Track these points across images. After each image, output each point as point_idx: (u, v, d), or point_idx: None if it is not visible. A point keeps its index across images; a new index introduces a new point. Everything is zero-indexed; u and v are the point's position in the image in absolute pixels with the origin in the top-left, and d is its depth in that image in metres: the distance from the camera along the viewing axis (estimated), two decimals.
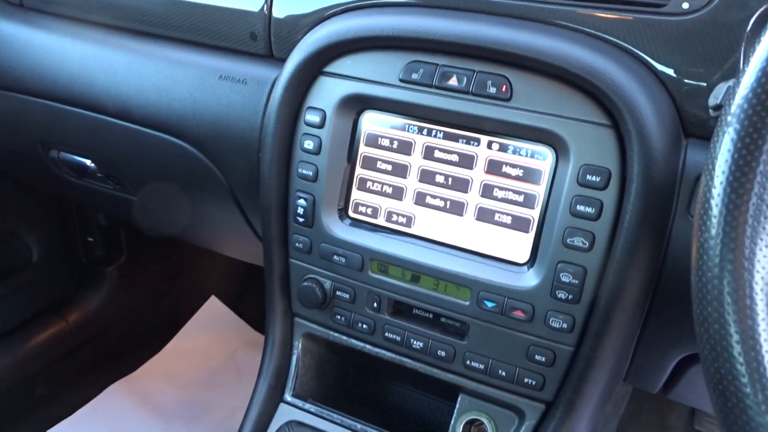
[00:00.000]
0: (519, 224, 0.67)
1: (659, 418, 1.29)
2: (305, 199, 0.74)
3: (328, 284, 0.76)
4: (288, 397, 0.79)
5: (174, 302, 1.61)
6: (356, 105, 0.71)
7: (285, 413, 0.78)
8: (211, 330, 1.60)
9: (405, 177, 0.72)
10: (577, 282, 0.64)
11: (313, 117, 0.72)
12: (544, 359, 0.67)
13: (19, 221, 1.31)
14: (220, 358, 1.54)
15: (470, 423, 0.75)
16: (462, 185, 0.69)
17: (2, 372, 1.32)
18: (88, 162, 0.99)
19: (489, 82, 0.64)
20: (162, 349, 1.54)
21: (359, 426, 0.75)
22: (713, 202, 0.41)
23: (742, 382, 0.39)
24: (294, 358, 0.81)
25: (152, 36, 0.85)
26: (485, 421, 0.73)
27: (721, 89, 0.48)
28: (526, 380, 0.69)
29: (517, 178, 0.67)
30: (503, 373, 0.70)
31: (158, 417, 1.37)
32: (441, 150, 0.70)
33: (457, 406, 0.75)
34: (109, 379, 1.44)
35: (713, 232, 0.41)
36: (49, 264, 1.39)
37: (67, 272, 1.44)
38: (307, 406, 0.78)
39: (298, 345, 0.81)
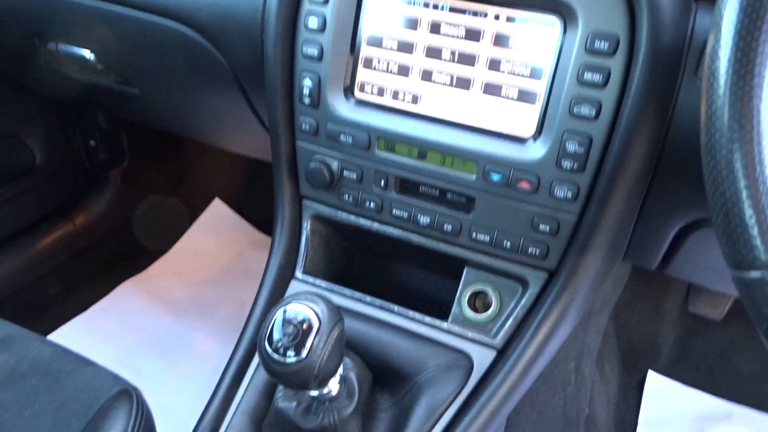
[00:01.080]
0: (525, 97, 0.67)
1: (655, 304, 1.34)
2: (311, 79, 0.74)
3: (335, 165, 0.77)
4: (299, 275, 0.82)
5: (178, 206, 1.63)
6: None
7: (296, 289, 0.81)
8: (217, 231, 1.63)
9: (411, 54, 0.71)
10: (582, 151, 0.65)
11: None
12: (548, 229, 0.69)
13: (20, 124, 1.31)
14: (227, 257, 1.58)
15: (475, 295, 0.78)
16: (468, 60, 0.69)
17: (15, 272, 1.36)
18: (87, 53, 0.98)
19: None
20: (170, 250, 1.57)
21: (368, 299, 0.79)
22: (721, 54, 0.41)
23: (750, 224, 0.40)
24: (303, 238, 0.83)
25: None
26: (490, 291, 0.76)
27: None
28: (530, 250, 0.72)
29: (524, 50, 0.66)
30: (508, 244, 0.72)
31: (170, 312, 1.42)
32: (447, 24, 0.69)
33: (463, 279, 0.77)
34: (119, 279, 1.48)
35: (721, 86, 0.41)
36: (53, 168, 1.40)
37: (71, 176, 1.45)
38: (318, 282, 0.81)
39: (307, 226, 0.83)
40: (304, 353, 0.55)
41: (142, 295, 1.46)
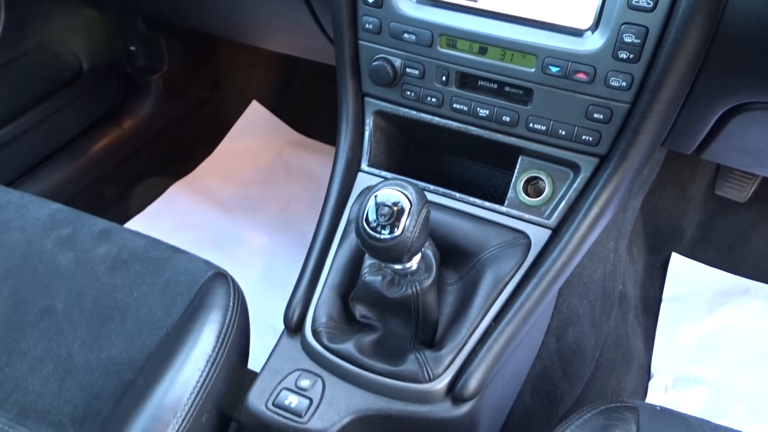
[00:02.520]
0: None
1: (680, 190, 1.41)
2: None
3: (398, 62, 0.82)
4: (364, 167, 0.88)
5: (218, 109, 1.68)
6: None
7: (363, 181, 0.88)
8: (256, 133, 1.69)
9: None
10: (638, 42, 0.69)
11: None
12: (601, 117, 0.75)
13: (66, 33, 1.34)
14: (268, 157, 1.65)
15: (528, 182, 0.84)
16: None
17: (72, 177, 1.43)
18: None
19: None
20: (213, 152, 1.64)
21: (431, 187, 0.86)
22: None
23: None
24: (366, 133, 0.89)
25: None
26: (543, 177, 0.83)
27: None
28: (583, 137, 0.78)
29: None
30: (563, 132, 0.78)
31: (220, 210, 1.51)
32: None
33: (518, 166, 0.84)
34: (169, 180, 1.56)
35: None
36: (99, 74, 1.44)
37: (115, 82, 1.49)
38: (382, 173, 0.88)
39: (370, 122, 0.89)
40: (397, 231, 0.62)
41: (192, 195, 1.54)
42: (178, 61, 1.55)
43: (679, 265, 1.40)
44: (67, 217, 0.89)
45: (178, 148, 1.61)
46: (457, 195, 0.85)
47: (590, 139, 0.78)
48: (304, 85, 1.74)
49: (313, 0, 0.91)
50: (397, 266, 0.69)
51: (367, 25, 0.81)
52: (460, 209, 0.83)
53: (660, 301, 1.34)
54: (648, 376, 1.22)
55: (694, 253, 1.41)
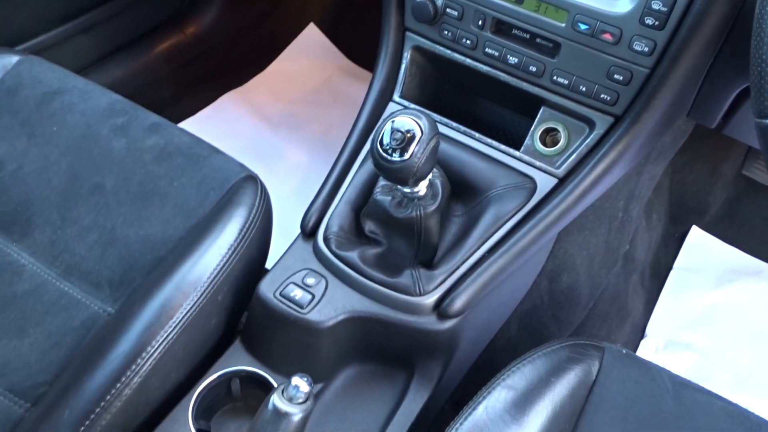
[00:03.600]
0: None
1: (712, 166, 1.42)
2: None
3: (440, 2, 0.87)
4: (396, 98, 0.94)
5: (276, 25, 1.74)
6: None
7: (393, 110, 0.94)
8: (309, 55, 1.75)
9: None
10: (665, 10, 0.73)
11: None
12: (621, 78, 0.79)
13: None
14: (317, 81, 1.71)
15: (546, 132, 0.89)
16: None
17: (134, 73, 1.52)
18: None
19: None
20: (266, 68, 1.71)
21: (454, 124, 0.91)
22: None
23: None
24: (403, 66, 0.94)
25: None
26: (560, 129, 0.87)
27: None
28: (602, 96, 0.82)
29: None
30: (583, 89, 0.82)
31: (266, 124, 1.59)
32: None
33: (538, 116, 0.89)
34: (223, 89, 1.65)
35: None
36: None
37: None
38: (412, 105, 0.94)
39: (407, 56, 0.94)
40: (406, 156, 0.69)
41: (241, 106, 1.62)
42: None
43: (697, 238, 1.43)
44: (124, 108, 0.99)
45: (234, 59, 1.68)
46: (477, 135, 0.90)
47: (608, 98, 0.82)
48: (360, 14, 1.77)
49: None
50: (405, 189, 0.76)
51: None
52: (476, 148, 0.89)
53: (670, 269, 1.38)
54: (641, 335, 1.28)
55: (714, 229, 1.43)
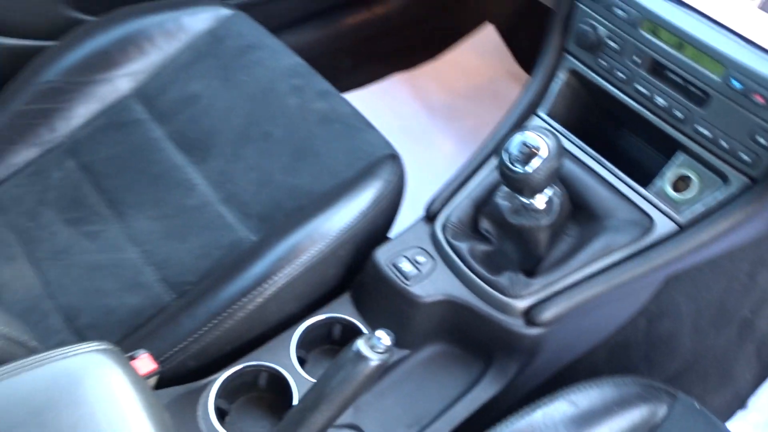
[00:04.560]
0: None
1: None
2: None
3: (602, 31, 0.91)
4: (540, 113, 1.00)
5: (455, 19, 1.83)
6: None
7: (535, 123, 1.00)
8: (481, 53, 1.82)
9: None
10: None
11: None
12: (764, 142, 0.79)
13: None
14: (483, 78, 1.78)
15: (678, 177, 0.91)
16: None
17: (318, 41, 1.67)
18: None
19: None
20: (438, 58, 1.81)
21: (590, 150, 0.96)
22: None
23: None
24: (555, 85, 1.00)
25: None
26: (694, 177, 0.89)
27: None
28: (742, 155, 0.82)
29: None
30: (724, 144, 0.83)
31: (425, 110, 1.70)
32: None
33: (673, 160, 0.91)
34: (392, 69, 1.77)
35: None
36: None
37: None
38: (554, 123, 0.99)
39: (561, 76, 0.99)
40: (527, 169, 0.76)
41: (407, 88, 1.74)
42: None
43: None
44: (303, 71, 1.13)
45: (409, 43, 1.79)
46: (608, 164, 0.94)
47: (748, 159, 0.82)
48: (538, 24, 1.81)
49: None
50: (523, 199, 0.83)
51: None
52: (603, 176, 0.93)
53: None
54: (741, 405, 1.24)
55: None
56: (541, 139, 0.76)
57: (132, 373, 0.60)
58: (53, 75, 1.12)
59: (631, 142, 1.02)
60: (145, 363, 0.76)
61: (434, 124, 1.67)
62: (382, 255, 0.90)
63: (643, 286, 0.90)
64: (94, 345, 0.59)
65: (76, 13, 1.26)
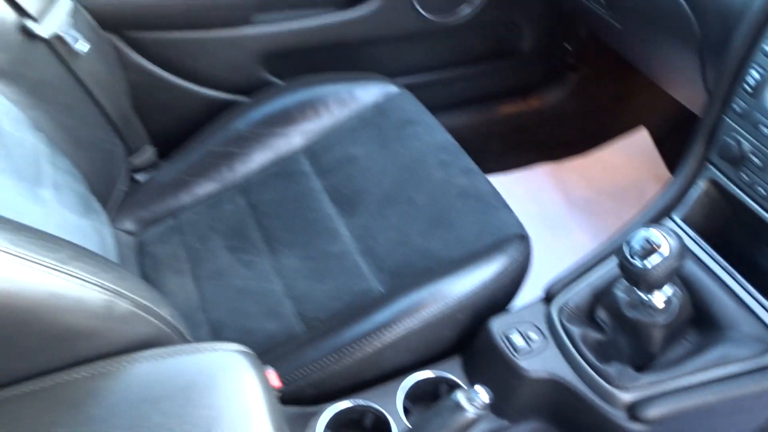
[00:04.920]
0: None
1: None
2: (758, 73, 0.89)
3: (746, 146, 0.92)
4: (674, 216, 1.02)
5: (609, 119, 1.87)
6: None
7: (667, 225, 1.02)
8: (631, 155, 1.84)
9: None
10: None
11: None
12: None
13: (525, 17, 1.67)
14: (630, 180, 1.80)
15: None
16: None
17: (475, 124, 1.79)
18: None
19: None
20: (587, 153, 1.86)
21: (721, 260, 0.96)
22: None
23: None
24: (694, 193, 1.02)
25: None
26: None
27: None
28: None
29: None
30: None
31: (566, 202, 1.74)
32: None
33: None
34: (538, 157, 1.84)
35: None
36: (531, 56, 1.75)
37: (538, 66, 1.79)
38: (687, 229, 1.00)
39: (701, 184, 1.01)
40: (646, 264, 0.79)
41: (551, 179, 1.80)
42: (596, 69, 1.77)
43: None
44: (452, 149, 1.24)
45: (560, 135, 1.86)
46: (740, 278, 0.93)
47: None
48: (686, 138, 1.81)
49: (707, 62, 1.04)
50: (642, 294, 0.85)
51: (735, 107, 0.93)
52: (731, 287, 0.92)
53: None
54: None
55: None
56: (663, 237, 0.79)
57: (265, 379, 0.70)
58: (242, 125, 1.32)
59: (764, 251, 1.01)
60: (272, 378, 0.86)
61: (572, 215, 1.70)
62: (497, 325, 0.96)
63: (763, 404, 0.87)
64: (238, 346, 0.70)
65: (268, 76, 1.47)
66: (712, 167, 1.00)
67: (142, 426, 0.61)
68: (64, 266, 0.62)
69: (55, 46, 1.08)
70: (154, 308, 0.70)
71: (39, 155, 1.01)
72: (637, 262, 0.79)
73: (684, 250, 0.80)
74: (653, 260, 0.78)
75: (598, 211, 1.72)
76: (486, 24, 1.63)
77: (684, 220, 1.02)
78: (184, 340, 0.73)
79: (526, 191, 1.75)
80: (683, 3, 1.03)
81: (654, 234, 0.80)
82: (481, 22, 1.61)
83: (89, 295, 0.63)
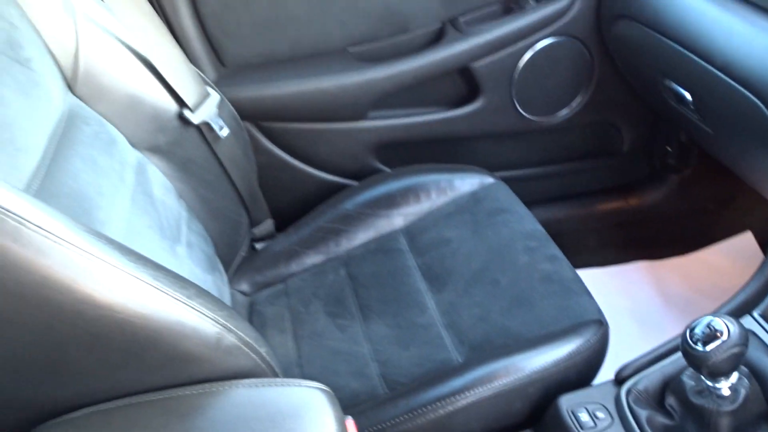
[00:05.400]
0: None
1: None
2: None
3: None
4: (755, 313, 1.03)
5: (713, 221, 1.86)
6: None
7: (747, 322, 1.03)
8: (735, 259, 1.81)
9: None
10: None
11: None
12: None
13: (623, 119, 1.75)
14: (732, 282, 1.74)
15: None
16: None
17: (573, 218, 1.86)
18: (687, 94, 1.32)
19: None
20: (688, 254, 1.85)
21: None
22: None
23: None
24: None
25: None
26: None
27: None
28: None
29: None
30: None
31: (662, 300, 1.73)
32: None
33: None
34: (635, 256, 1.85)
35: None
36: (630, 156, 1.81)
37: (641, 167, 1.84)
38: (764, 324, 1.01)
39: None
40: (706, 349, 0.82)
41: (647, 276, 1.80)
42: (699, 171, 1.80)
43: None
44: (539, 237, 1.32)
45: (659, 236, 1.87)
46: None
47: None
48: None
49: None
50: (708, 381, 0.87)
51: None
52: None
53: None
54: None
55: None
56: (725, 324, 0.82)
57: (342, 421, 0.80)
58: (350, 206, 1.48)
59: None
60: (351, 426, 0.96)
61: (666, 312, 1.69)
62: (566, 401, 1.00)
63: None
64: (320, 385, 0.81)
65: (377, 164, 1.65)
66: None
67: None
68: (189, 300, 0.77)
69: (203, 131, 1.30)
70: (255, 345, 0.83)
71: (180, 218, 1.22)
72: (698, 347, 0.83)
73: (747, 339, 0.83)
74: (712, 345, 0.82)
75: (695, 310, 1.68)
76: (584, 125, 1.73)
77: (764, 317, 1.02)
78: (276, 376, 0.85)
79: (620, 285, 1.77)
80: (762, 108, 1.09)
81: (717, 321, 0.83)
82: (580, 123, 1.71)
83: (204, 327, 0.77)
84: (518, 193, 1.48)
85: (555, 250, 1.30)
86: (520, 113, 1.66)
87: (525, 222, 1.37)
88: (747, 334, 0.83)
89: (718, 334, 0.82)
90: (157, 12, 1.34)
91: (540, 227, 1.36)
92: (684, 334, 0.86)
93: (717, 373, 0.84)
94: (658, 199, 1.86)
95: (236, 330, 0.81)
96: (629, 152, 1.80)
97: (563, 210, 1.85)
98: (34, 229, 0.65)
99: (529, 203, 1.46)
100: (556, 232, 1.78)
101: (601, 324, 1.11)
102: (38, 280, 0.66)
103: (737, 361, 0.83)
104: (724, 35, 1.18)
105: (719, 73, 1.17)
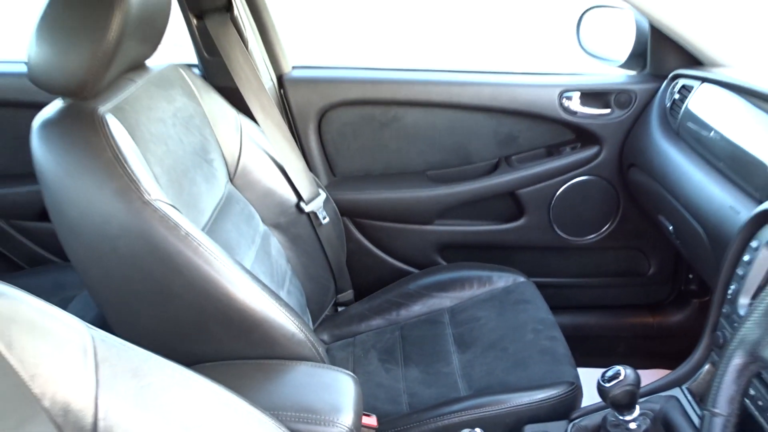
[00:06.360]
0: None
1: None
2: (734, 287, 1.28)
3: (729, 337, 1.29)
4: (684, 387, 1.36)
5: None
6: None
7: (677, 392, 1.36)
8: None
9: None
10: None
11: None
12: None
13: (648, 246, 2.12)
14: None
15: None
16: None
17: (589, 327, 2.20)
18: (671, 226, 1.71)
19: None
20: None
21: None
22: None
23: None
24: (701, 371, 1.36)
25: None
26: None
27: None
28: None
29: None
30: None
31: None
32: None
33: None
34: (659, 364, 2.13)
35: None
36: (655, 278, 2.16)
37: (663, 289, 2.18)
38: (690, 397, 1.34)
39: (706, 366, 1.36)
40: (608, 384, 1.19)
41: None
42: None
43: None
44: (547, 323, 1.72)
45: (682, 350, 2.14)
46: None
47: None
48: None
49: None
50: (618, 414, 1.23)
51: (723, 310, 1.31)
52: None
53: None
54: None
55: None
56: (623, 370, 1.19)
57: (359, 392, 1.25)
58: (413, 286, 1.96)
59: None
60: (371, 420, 1.39)
61: None
62: (530, 428, 1.37)
63: None
64: (352, 374, 1.27)
65: (438, 258, 2.14)
66: (714, 353, 1.35)
67: (292, 397, 1.20)
68: (281, 308, 1.28)
69: (311, 217, 1.87)
70: (315, 344, 1.32)
71: (285, 274, 1.76)
72: (605, 384, 1.20)
73: (639, 381, 1.18)
74: (613, 382, 1.19)
75: None
76: (613, 248, 2.12)
77: (689, 390, 1.36)
78: (324, 362, 1.33)
79: None
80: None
81: (619, 368, 1.21)
82: (609, 246, 2.11)
83: (288, 324, 1.28)
84: (553, 297, 1.89)
85: (556, 333, 1.69)
86: (557, 232, 2.09)
87: (540, 312, 1.78)
88: (639, 378, 1.19)
89: (619, 376, 1.19)
90: (293, 135, 1.97)
91: (551, 317, 1.76)
92: (600, 375, 1.23)
93: (619, 405, 1.19)
94: (682, 318, 2.16)
95: (305, 331, 1.30)
96: (654, 275, 2.15)
97: (594, 317, 2.21)
98: (204, 248, 1.21)
99: (563, 307, 1.85)
100: (587, 335, 2.15)
101: (573, 384, 1.48)
102: (202, 277, 1.21)
103: (632, 398, 1.18)
104: (690, 183, 1.59)
105: (684, 211, 1.58)
